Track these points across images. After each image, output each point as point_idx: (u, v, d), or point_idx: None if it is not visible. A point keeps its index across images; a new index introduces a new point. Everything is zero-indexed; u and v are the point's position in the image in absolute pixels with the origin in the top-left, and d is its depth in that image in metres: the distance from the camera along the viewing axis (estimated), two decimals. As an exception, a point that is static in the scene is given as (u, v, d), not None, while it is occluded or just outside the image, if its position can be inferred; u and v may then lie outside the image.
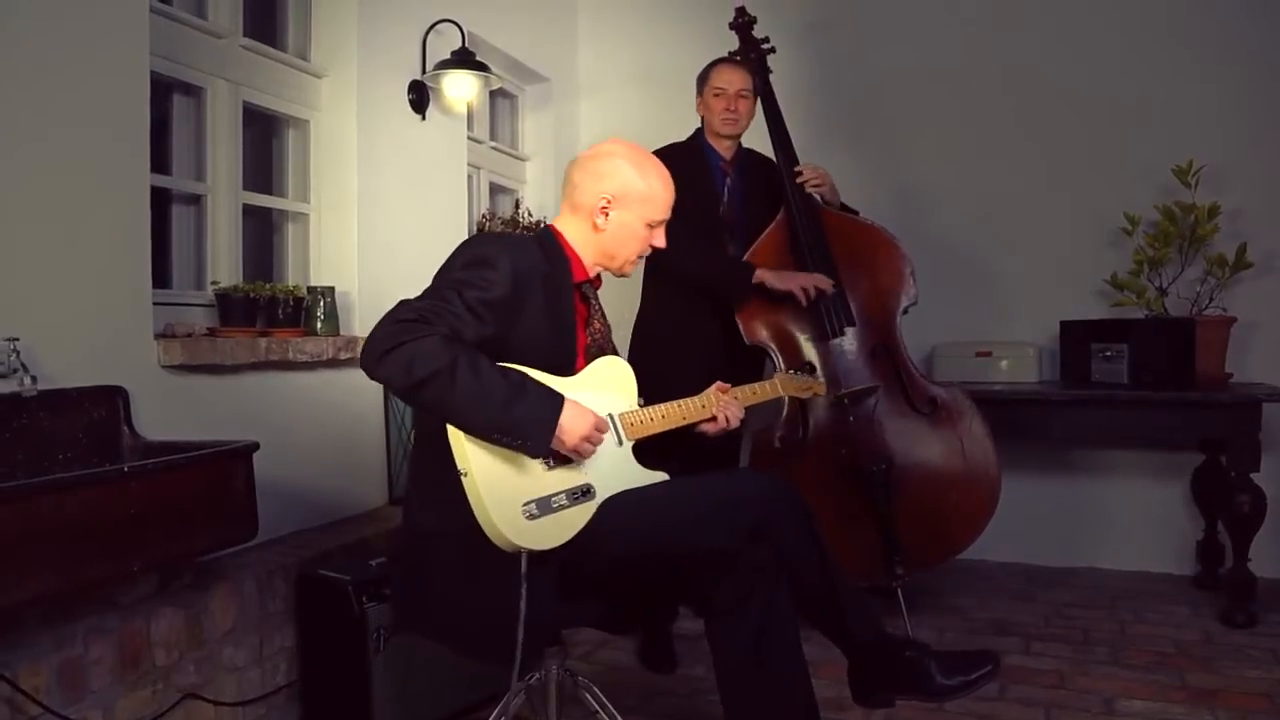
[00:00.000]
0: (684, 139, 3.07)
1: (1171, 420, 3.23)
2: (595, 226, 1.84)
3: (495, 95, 4.09)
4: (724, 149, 3.03)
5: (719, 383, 2.01)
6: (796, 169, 3.04)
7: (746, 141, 3.11)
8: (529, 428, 1.58)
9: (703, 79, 3.04)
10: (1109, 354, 3.39)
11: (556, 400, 1.63)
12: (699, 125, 3.08)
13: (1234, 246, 3.42)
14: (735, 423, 1.99)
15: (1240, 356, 3.52)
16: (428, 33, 3.32)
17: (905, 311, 3.02)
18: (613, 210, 1.82)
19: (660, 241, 1.89)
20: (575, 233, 1.87)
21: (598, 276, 1.91)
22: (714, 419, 1.97)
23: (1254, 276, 3.49)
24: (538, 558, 1.63)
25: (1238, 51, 3.62)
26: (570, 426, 1.62)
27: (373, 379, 1.59)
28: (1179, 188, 3.50)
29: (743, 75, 3.00)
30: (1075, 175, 3.82)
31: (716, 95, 2.97)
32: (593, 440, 1.68)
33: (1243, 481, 3.11)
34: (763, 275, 2.88)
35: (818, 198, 3.04)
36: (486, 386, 1.55)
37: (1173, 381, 3.22)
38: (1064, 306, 3.70)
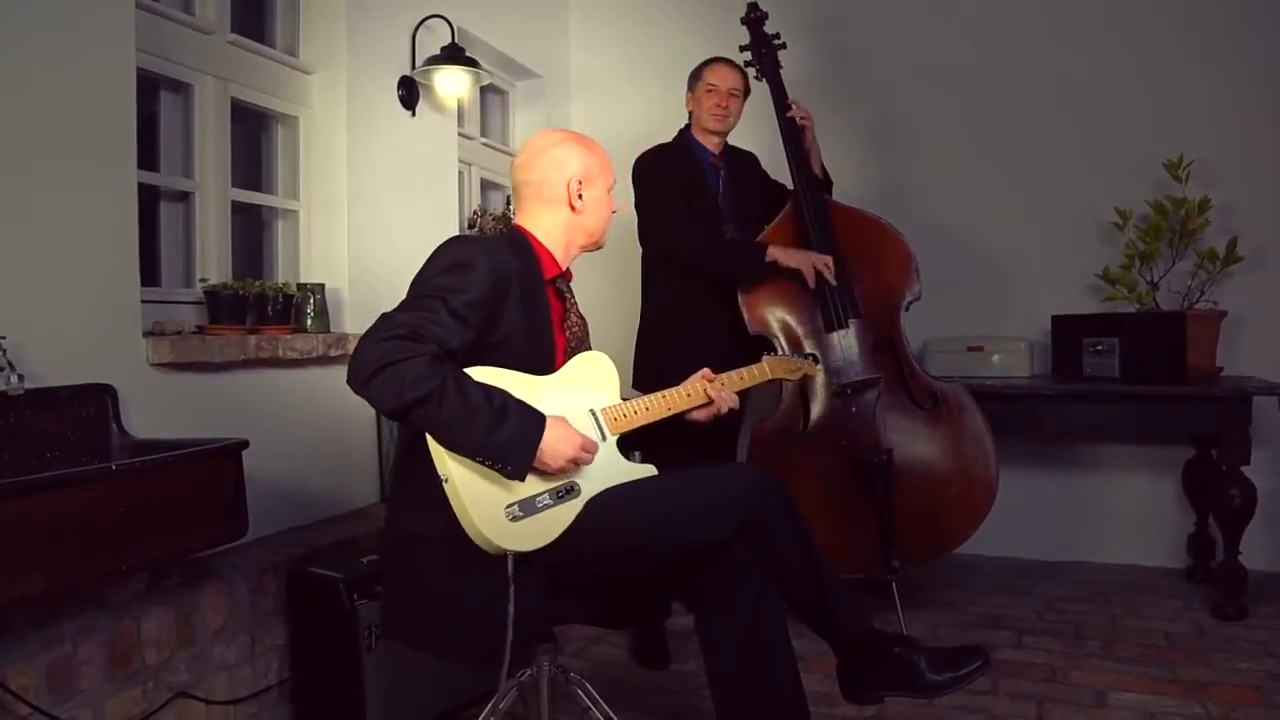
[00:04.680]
0: (669, 140, 3.09)
1: (1162, 414, 3.24)
2: (575, 209, 1.88)
3: (486, 91, 4.08)
4: (712, 145, 3.07)
5: (705, 370, 2.01)
6: (786, 101, 3.11)
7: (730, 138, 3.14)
8: (509, 453, 1.59)
9: (696, 75, 3.08)
10: (1100, 348, 3.39)
11: (538, 423, 1.63)
12: (686, 124, 3.11)
13: (1224, 240, 3.44)
14: (726, 407, 1.99)
15: (1231, 350, 3.54)
16: (417, 28, 3.30)
17: (908, 307, 3.03)
18: (585, 190, 1.88)
19: (614, 205, 1.97)
20: (551, 225, 1.88)
21: (568, 270, 1.93)
22: (703, 406, 1.97)
23: (1244, 270, 3.50)
24: (525, 557, 1.63)
25: (1228, 46, 3.63)
26: (553, 449, 1.63)
27: (360, 397, 1.58)
28: (1170, 182, 3.51)
29: (736, 75, 3.05)
30: (1067, 170, 3.83)
31: (709, 91, 3.01)
32: (579, 461, 1.68)
33: (1233, 475, 3.11)
34: (775, 253, 2.91)
35: (806, 149, 3.11)
36: (470, 411, 1.55)
37: (1164, 375, 3.22)
38: (1055, 301, 3.71)
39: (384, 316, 1.61)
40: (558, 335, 1.85)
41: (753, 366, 2.13)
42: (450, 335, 1.61)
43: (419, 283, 1.70)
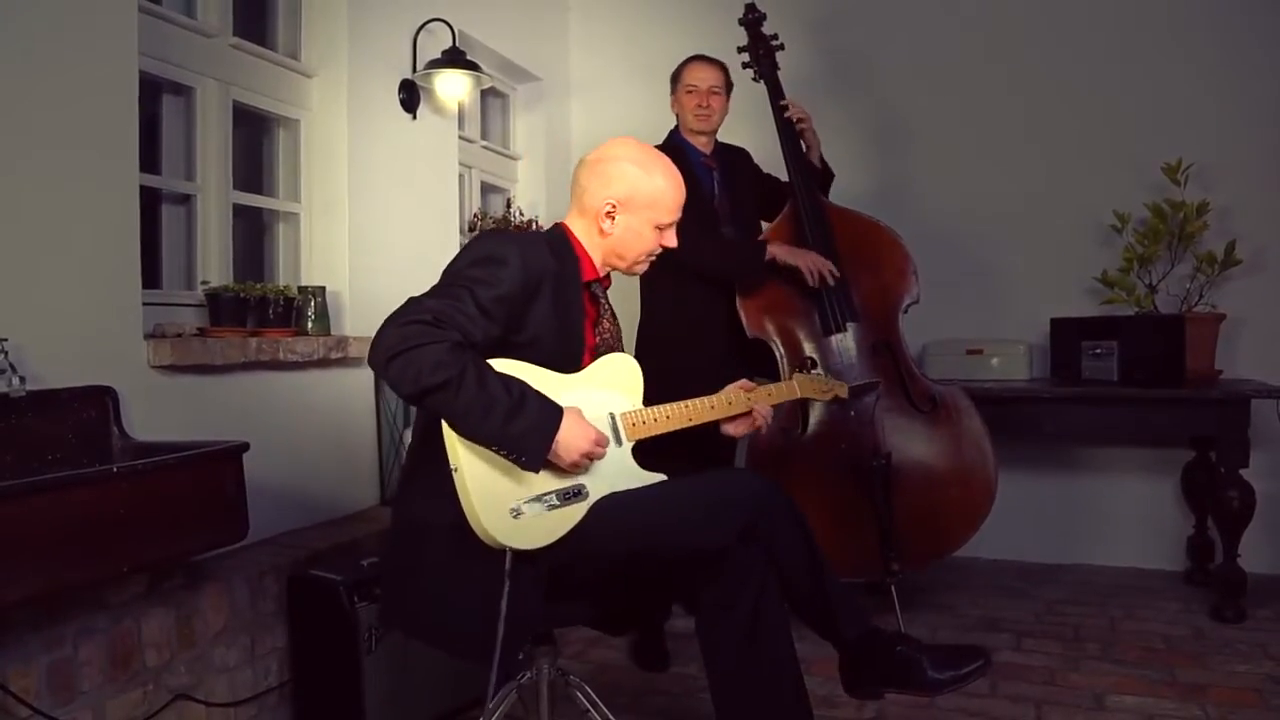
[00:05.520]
0: (659, 142, 3.08)
1: (1161, 417, 3.25)
2: (601, 230, 1.83)
3: (486, 94, 4.08)
4: (702, 145, 3.07)
5: (743, 381, 1.98)
6: (783, 102, 3.11)
7: (721, 135, 3.15)
8: (524, 444, 1.58)
9: (676, 77, 3.09)
10: (1099, 351, 3.40)
11: (555, 417, 1.62)
12: (674, 126, 3.11)
13: (1223, 244, 3.45)
14: (764, 422, 1.98)
15: (1229, 353, 3.55)
16: (418, 32, 3.31)
17: (906, 310, 3.04)
18: (618, 214, 1.82)
19: (671, 241, 1.89)
20: (582, 233, 1.86)
21: (607, 276, 1.91)
22: (737, 418, 1.96)
23: (1243, 274, 3.51)
24: (526, 556, 1.63)
25: (1227, 50, 3.64)
26: (567, 443, 1.63)
27: (379, 378, 1.59)
28: (1168, 185, 3.52)
29: (714, 72, 3.04)
30: (1066, 173, 3.84)
31: (689, 92, 3.01)
32: (592, 456, 1.68)
33: (1232, 478, 3.12)
34: (775, 251, 2.92)
35: (802, 144, 3.11)
36: (488, 399, 1.55)
37: (1162, 378, 3.23)
38: (1054, 304, 3.72)
39: (411, 300, 1.61)
40: (589, 337, 1.84)
41: (782, 384, 2.10)
42: (474, 327, 1.61)
43: (450, 272, 1.70)
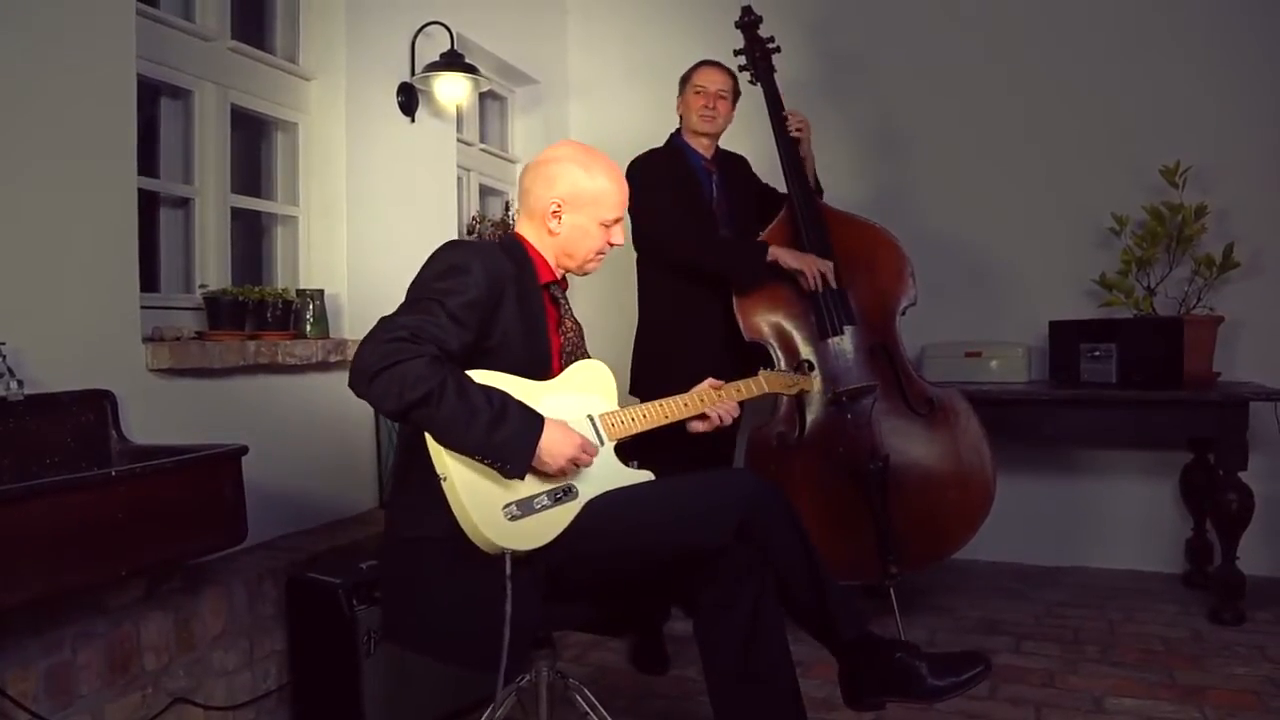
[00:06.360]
0: (660, 145, 3.10)
1: (1160, 419, 3.25)
2: (549, 231, 1.87)
3: (485, 97, 4.08)
4: (703, 148, 3.07)
5: (710, 379, 2.02)
6: (783, 113, 3.11)
7: (724, 142, 3.15)
8: (508, 452, 1.60)
9: (685, 78, 3.10)
10: (1097, 354, 3.40)
11: (537, 424, 1.64)
12: (676, 128, 3.12)
13: (1221, 246, 3.44)
14: (729, 420, 2.00)
15: (1228, 356, 3.55)
16: (417, 35, 3.31)
17: (904, 313, 3.04)
18: (564, 214, 1.86)
19: (618, 239, 1.92)
20: (534, 237, 1.90)
21: (564, 278, 1.94)
22: (704, 417, 1.98)
23: (1241, 276, 3.51)
24: (523, 560, 1.63)
25: (1225, 52, 3.64)
26: (551, 449, 1.65)
27: (362, 399, 1.60)
28: (1166, 188, 3.52)
29: (724, 76, 3.06)
30: (1064, 176, 3.84)
31: (697, 93, 3.03)
32: (579, 462, 1.70)
33: (1231, 480, 3.12)
34: (776, 252, 2.91)
35: (801, 156, 3.12)
36: (470, 410, 1.57)
37: (1161, 381, 3.23)
38: (1053, 306, 3.72)
39: (383, 320, 1.63)
40: (553, 338, 1.87)
41: (749, 380, 2.12)
42: (449, 337, 1.63)
43: (417, 286, 1.72)
